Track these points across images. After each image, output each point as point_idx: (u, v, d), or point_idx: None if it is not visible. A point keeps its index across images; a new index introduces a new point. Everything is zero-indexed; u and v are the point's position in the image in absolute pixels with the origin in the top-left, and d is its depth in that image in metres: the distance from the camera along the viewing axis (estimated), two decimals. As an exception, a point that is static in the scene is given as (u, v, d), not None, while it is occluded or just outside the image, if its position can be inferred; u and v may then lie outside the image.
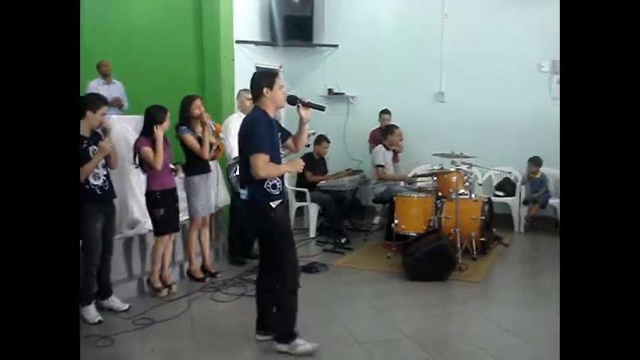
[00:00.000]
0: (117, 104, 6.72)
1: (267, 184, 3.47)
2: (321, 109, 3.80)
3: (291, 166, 3.76)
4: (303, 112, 3.66)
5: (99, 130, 4.28)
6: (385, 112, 7.68)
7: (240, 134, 3.57)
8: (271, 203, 3.49)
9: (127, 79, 7.09)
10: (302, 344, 3.60)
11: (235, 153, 5.51)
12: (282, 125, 4.03)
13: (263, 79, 3.58)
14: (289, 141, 3.82)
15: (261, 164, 3.37)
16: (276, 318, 3.67)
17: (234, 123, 5.59)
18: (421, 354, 3.61)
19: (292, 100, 3.66)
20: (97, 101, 4.23)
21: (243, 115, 5.67)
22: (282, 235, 3.58)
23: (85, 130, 4.14)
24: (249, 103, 5.69)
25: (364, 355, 3.62)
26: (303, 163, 3.75)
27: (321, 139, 7.09)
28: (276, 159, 3.51)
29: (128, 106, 7.03)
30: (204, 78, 7.28)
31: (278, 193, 3.53)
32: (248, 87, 6.11)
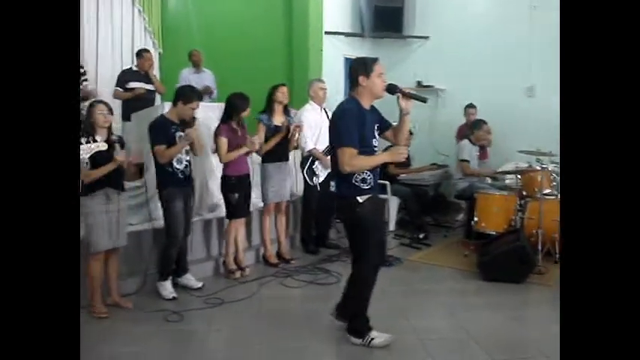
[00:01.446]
0: (207, 92, 6.98)
1: (356, 177, 3.34)
2: (424, 100, 3.52)
3: (390, 155, 3.46)
4: (404, 102, 3.42)
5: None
6: (470, 106, 7.44)
7: (329, 125, 3.51)
8: (358, 198, 3.34)
9: (216, 67, 7.35)
10: (377, 336, 3.54)
11: (310, 145, 5.59)
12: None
13: (360, 66, 3.36)
14: (389, 132, 3.60)
15: (346, 159, 3.23)
16: (350, 311, 3.61)
17: (306, 115, 5.65)
18: (482, 356, 3.50)
19: (392, 90, 3.41)
20: (191, 94, 4.38)
21: (316, 106, 5.75)
22: (368, 230, 3.44)
23: (173, 117, 4.36)
24: (322, 93, 5.74)
25: (422, 351, 3.56)
26: (406, 152, 3.44)
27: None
28: (367, 151, 3.34)
29: (217, 94, 7.29)
30: (292, 68, 7.42)
31: (367, 187, 3.37)
32: (333, 77, 6.31)
